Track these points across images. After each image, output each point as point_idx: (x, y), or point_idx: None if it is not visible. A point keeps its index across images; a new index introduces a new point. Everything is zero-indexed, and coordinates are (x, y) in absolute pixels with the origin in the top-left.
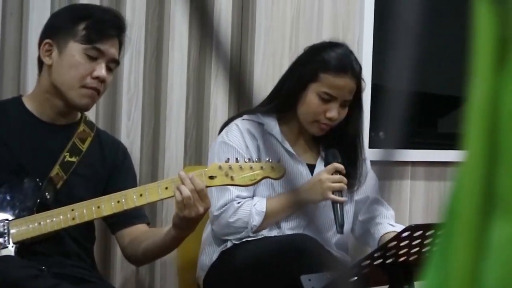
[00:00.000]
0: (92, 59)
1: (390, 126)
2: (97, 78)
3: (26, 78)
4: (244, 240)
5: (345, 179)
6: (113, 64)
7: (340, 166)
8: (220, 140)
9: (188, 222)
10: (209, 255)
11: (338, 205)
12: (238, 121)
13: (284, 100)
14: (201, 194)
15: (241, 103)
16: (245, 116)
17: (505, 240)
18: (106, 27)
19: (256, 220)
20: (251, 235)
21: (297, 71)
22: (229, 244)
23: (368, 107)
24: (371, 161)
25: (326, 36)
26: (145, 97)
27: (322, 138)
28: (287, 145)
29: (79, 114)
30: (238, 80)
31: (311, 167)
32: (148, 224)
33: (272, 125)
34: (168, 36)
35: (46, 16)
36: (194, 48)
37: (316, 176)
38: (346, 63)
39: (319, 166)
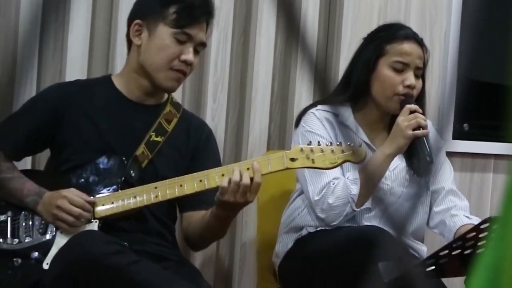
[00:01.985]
0: (181, 42)
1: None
2: (184, 61)
3: (115, 57)
4: (319, 228)
5: (421, 115)
6: (201, 47)
7: (413, 106)
8: (301, 130)
9: (226, 205)
10: (284, 243)
11: (423, 139)
12: (313, 110)
13: (356, 87)
14: (244, 189)
15: (324, 92)
16: (319, 107)
17: None
18: (196, 13)
19: (354, 189)
20: (356, 209)
21: (362, 55)
22: (304, 232)
23: (453, 99)
24: (454, 152)
25: (413, 28)
26: (231, 80)
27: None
28: (363, 135)
29: (166, 95)
30: (322, 72)
31: None
32: None
33: (347, 115)
34: (255, 20)
35: None
36: (281, 33)
37: (394, 126)
38: (408, 31)
39: None
